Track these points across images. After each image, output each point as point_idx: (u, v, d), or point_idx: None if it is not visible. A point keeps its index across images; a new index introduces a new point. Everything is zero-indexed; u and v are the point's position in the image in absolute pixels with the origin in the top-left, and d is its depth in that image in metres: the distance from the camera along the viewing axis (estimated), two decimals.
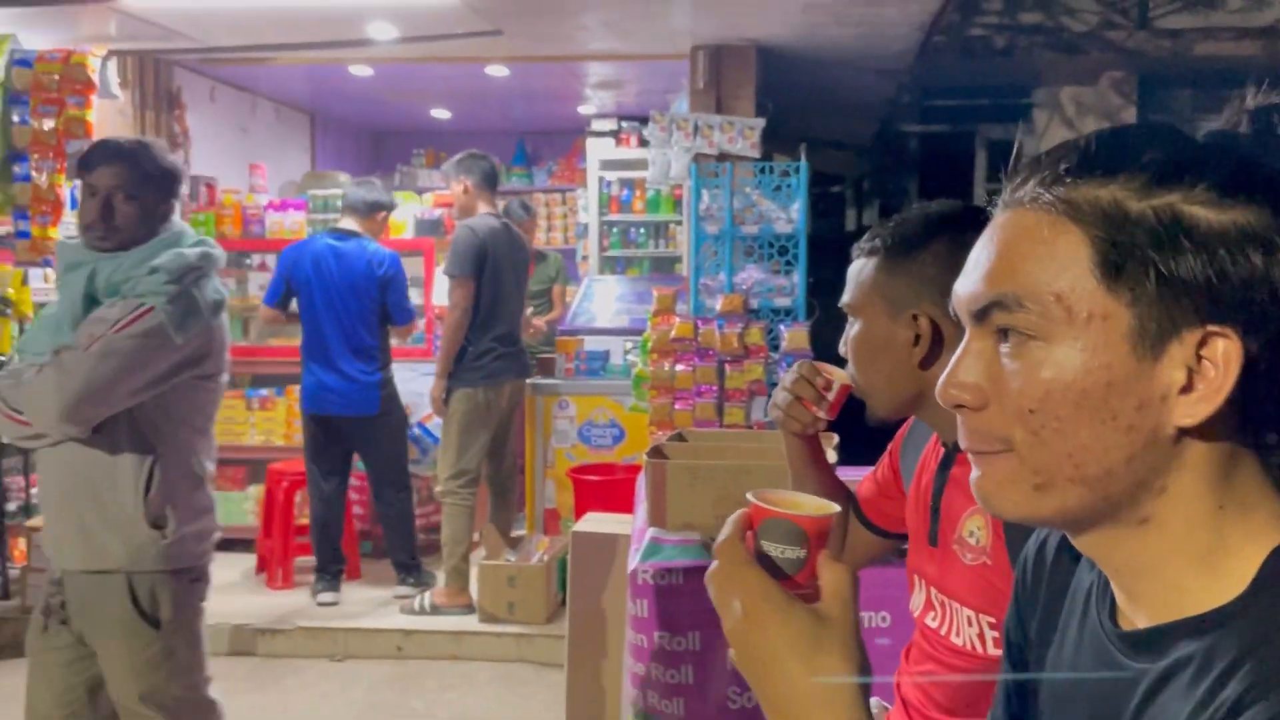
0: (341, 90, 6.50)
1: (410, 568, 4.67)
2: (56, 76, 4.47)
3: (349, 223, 4.61)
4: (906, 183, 9.41)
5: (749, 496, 0.81)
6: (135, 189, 2.28)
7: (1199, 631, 0.66)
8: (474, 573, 4.41)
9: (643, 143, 6.28)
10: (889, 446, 1.72)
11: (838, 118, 7.64)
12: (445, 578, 4.47)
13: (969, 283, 0.73)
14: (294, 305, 4.59)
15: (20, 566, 4.50)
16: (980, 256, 0.73)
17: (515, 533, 4.91)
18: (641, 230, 7.26)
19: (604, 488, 4.39)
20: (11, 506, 4.61)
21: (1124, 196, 0.67)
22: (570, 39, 5.03)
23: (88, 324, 2.20)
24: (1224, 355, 0.65)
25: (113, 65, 4.70)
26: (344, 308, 4.50)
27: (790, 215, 4.44)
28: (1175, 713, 0.65)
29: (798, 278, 4.48)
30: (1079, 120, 7.46)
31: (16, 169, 4.48)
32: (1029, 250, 0.69)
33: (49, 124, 4.47)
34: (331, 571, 4.60)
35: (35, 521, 4.47)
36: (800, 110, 6.52)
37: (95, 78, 4.52)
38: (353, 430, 4.55)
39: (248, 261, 5.86)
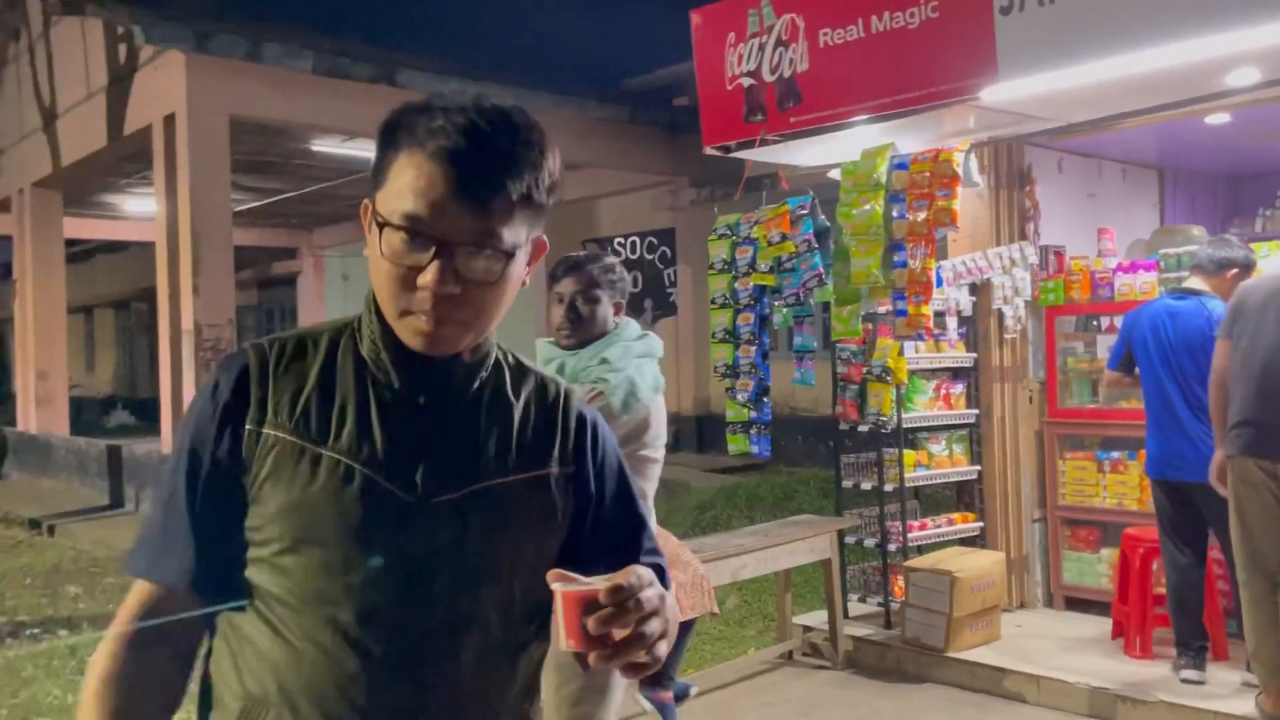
0: (1193, 141, 6.22)
1: None
2: (927, 174, 5.13)
3: (1194, 282, 4.52)
4: None
5: None
6: (590, 294, 2.77)
7: None
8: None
9: None
10: None
11: None
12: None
13: None
14: (1137, 369, 4.62)
15: (900, 601, 5.16)
16: None
17: None
18: None
19: None
20: (892, 548, 5.32)
21: None
22: None
23: None
24: None
25: (973, 156, 5.22)
26: (1181, 370, 4.39)
27: None
28: None
29: None
30: None
31: (895, 257, 5.23)
32: None
33: (921, 216, 5.13)
34: (1194, 648, 4.37)
35: (914, 561, 5.11)
36: None
37: (959, 170, 5.07)
38: (1204, 498, 4.30)
39: (1095, 324, 5.94)
